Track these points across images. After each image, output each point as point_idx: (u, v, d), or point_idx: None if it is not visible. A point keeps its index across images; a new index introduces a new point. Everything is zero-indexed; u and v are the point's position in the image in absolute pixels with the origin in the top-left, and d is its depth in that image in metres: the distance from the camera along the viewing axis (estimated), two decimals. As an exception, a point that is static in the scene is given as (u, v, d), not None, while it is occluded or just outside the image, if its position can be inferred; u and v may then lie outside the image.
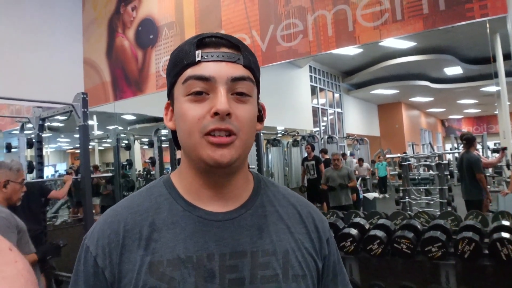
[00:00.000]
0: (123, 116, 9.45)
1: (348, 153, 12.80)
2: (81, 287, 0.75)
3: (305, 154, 8.52)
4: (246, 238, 0.75)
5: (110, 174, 9.05)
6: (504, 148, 9.60)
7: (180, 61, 0.74)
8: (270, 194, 0.83)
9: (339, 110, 15.78)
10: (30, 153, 5.46)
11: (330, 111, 15.16)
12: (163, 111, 0.81)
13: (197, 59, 0.71)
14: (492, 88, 13.51)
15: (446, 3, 4.01)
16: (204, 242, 0.74)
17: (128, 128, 11.13)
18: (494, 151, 13.38)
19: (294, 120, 11.43)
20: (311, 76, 13.54)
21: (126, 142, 8.44)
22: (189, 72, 0.72)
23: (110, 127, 11.30)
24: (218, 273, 0.72)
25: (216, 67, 0.71)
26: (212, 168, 0.73)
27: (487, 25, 4.10)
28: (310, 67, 13.48)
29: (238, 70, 0.73)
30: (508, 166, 7.81)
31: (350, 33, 4.60)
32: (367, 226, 3.45)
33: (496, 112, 19.25)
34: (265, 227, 0.77)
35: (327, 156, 8.65)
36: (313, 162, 7.97)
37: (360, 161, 12.63)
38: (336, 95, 15.72)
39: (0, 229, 2.19)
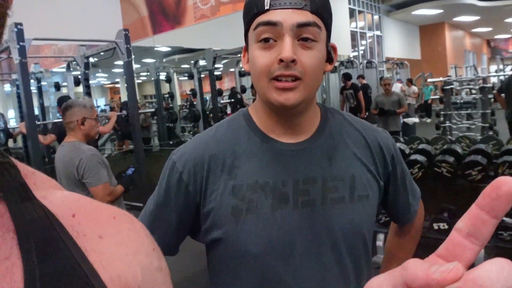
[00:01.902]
0: (158, 49, 9.50)
1: (387, 76, 12.50)
2: (162, 195, 0.91)
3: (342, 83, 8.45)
4: (316, 166, 0.86)
5: (152, 110, 9.33)
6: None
7: (252, 9, 0.80)
8: (338, 123, 0.93)
9: (378, 33, 15.22)
10: (75, 90, 5.69)
11: (369, 34, 14.65)
12: (242, 53, 0.90)
13: (265, 8, 0.78)
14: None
15: None
16: (279, 170, 0.85)
17: (164, 60, 11.24)
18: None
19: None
20: (349, -1, 12.98)
21: (166, 74, 8.54)
22: (259, 19, 0.79)
23: (147, 60, 11.38)
24: (291, 196, 0.84)
25: (283, 14, 0.77)
26: (279, 109, 0.83)
27: None
28: (349, -12, 12.91)
29: (304, 16, 0.78)
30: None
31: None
32: (407, 151, 3.53)
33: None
34: (333, 155, 0.88)
35: (364, 81, 8.54)
36: (351, 90, 7.91)
37: (409, 82, 12.39)
38: (376, 17, 15.08)
39: (94, 165, 2.38)
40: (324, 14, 0.82)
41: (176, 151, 0.91)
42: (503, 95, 6.09)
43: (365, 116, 7.58)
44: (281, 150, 0.87)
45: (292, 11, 0.78)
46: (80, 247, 0.35)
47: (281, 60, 0.77)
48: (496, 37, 27.06)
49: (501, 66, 17.09)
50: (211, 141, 0.89)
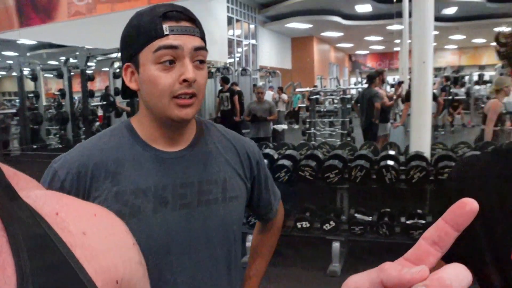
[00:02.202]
0: (22, 41, 8.60)
1: (260, 84, 13.09)
2: None
3: (220, 86, 8.66)
4: (193, 171, 0.98)
5: (12, 110, 8.42)
6: (401, 82, 10.57)
7: (148, 33, 0.88)
8: (211, 134, 1.05)
9: (253, 42, 15.88)
10: None
11: (245, 42, 15.21)
12: (122, 71, 0.96)
13: (164, 33, 0.87)
14: (396, 27, 14.43)
15: None
16: (160, 176, 0.94)
17: (29, 54, 10.19)
18: (392, 86, 14.61)
19: (209, 51, 11.37)
20: (228, 7, 13.33)
21: (30, 71, 7.73)
22: (159, 43, 0.88)
23: (8, 53, 10.12)
24: (171, 199, 0.94)
25: (182, 39, 0.87)
26: (177, 123, 0.93)
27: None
28: (228, -4, 13.25)
29: (198, 41, 0.90)
30: (402, 100, 8.60)
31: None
32: (276, 156, 3.81)
33: (397, 49, 20.64)
34: (208, 161, 1.01)
35: (238, 88, 8.88)
36: (227, 93, 8.16)
37: (280, 90, 13.10)
38: (252, 26, 15.72)
39: None
40: (205, 39, 0.94)
41: (58, 159, 0.94)
42: (359, 105, 6.87)
43: (240, 120, 7.88)
44: (162, 158, 0.96)
45: (188, 37, 0.88)
46: (66, 243, 0.37)
47: (184, 80, 0.87)
48: (356, 52, 30.13)
49: (359, 79, 19.06)
50: (94, 149, 0.94)
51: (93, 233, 0.40)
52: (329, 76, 22.33)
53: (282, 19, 16.45)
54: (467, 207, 0.29)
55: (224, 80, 8.38)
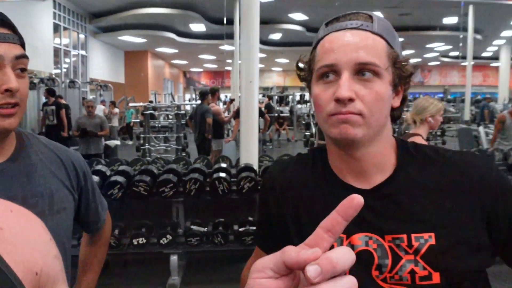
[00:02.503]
0: None
1: (91, 98, 12.42)
2: None
3: (44, 99, 7.97)
4: (16, 185, 0.91)
5: None
6: (232, 100, 11.20)
7: None
8: (34, 145, 1.00)
9: (83, 52, 14.98)
10: None
11: (73, 52, 14.24)
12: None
13: None
14: (227, 47, 15.25)
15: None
16: None
17: None
18: (224, 103, 15.37)
19: (31, 59, 10.28)
20: (54, 13, 12.31)
21: None
22: None
23: None
24: None
25: (2, 47, 0.85)
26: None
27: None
28: (54, 2, 12.24)
29: (18, 49, 0.87)
30: (234, 117, 9.08)
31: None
32: (108, 173, 3.67)
33: (228, 68, 21.78)
34: (32, 174, 0.95)
35: (63, 101, 8.31)
36: (53, 107, 7.54)
37: (113, 104, 12.52)
38: (82, 36, 14.81)
39: None
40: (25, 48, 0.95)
41: None
42: (193, 121, 7.05)
43: (67, 135, 7.35)
44: None
45: (8, 45, 0.86)
46: None
47: (6, 90, 0.85)
48: (191, 69, 30.80)
49: (193, 96, 19.51)
50: None
51: (10, 228, 0.42)
52: (164, 91, 22.34)
53: (115, 31, 15.90)
54: (354, 201, 0.37)
55: (49, 93, 7.73)
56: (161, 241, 3.58)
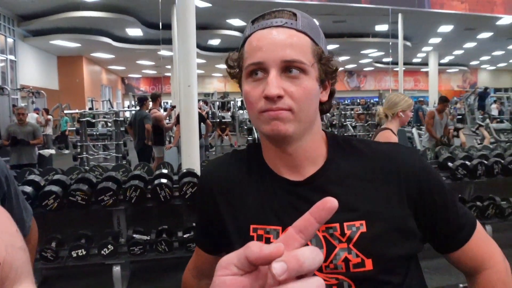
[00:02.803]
0: None
1: (22, 105, 11.75)
2: None
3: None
4: None
5: None
6: (173, 107, 11.06)
7: None
8: None
9: (12, 57, 14.15)
10: None
11: (1, 57, 13.42)
12: None
13: None
14: (166, 52, 15.02)
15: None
16: None
17: None
18: (165, 109, 15.12)
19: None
20: (-23, 15, 11.55)
21: None
22: None
23: None
24: None
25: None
26: None
27: (160, 1, 4.70)
28: (-24, 3, 11.49)
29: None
30: (175, 123, 8.94)
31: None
32: (42, 183, 3.50)
33: (169, 74, 21.44)
34: None
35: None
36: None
37: (46, 112, 11.91)
38: (10, 40, 13.99)
39: None
40: None
41: None
42: (133, 127, 6.90)
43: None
44: None
45: None
46: None
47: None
48: (129, 75, 30.01)
49: (133, 102, 19.05)
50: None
51: None
52: (101, 98, 21.61)
53: (46, 34, 15.15)
54: (328, 204, 0.38)
55: None
56: (103, 252, 3.46)
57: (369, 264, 0.75)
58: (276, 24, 0.77)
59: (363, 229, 0.76)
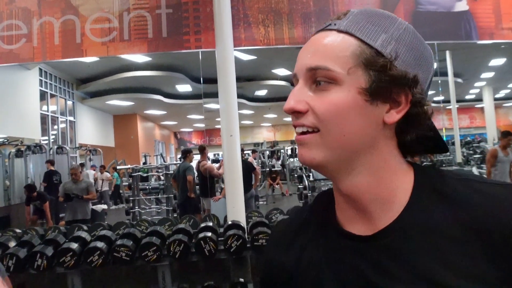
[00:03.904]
0: None
1: (74, 164, 12.32)
2: None
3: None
4: None
5: None
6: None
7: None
8: None
9: (71, 118, 15.06)
10: None
11: (61, 119, 14.31)
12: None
13: None
14: (214, 106, 15.43)
15: (168, 32, 4.47)
16: None
17: None
18: (213, 161, 15.32)
19: (18, 127, 10.28)
20: (41, 80, 12.46)
21: None
22: None
23: None
24: None
25: None
26: None
27: (200, 56, 4.82)
28: (41, 70, 12.41)
29: None
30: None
31: (78, 45, 4.57)
32: (88, 239, 3.51)
33: (218, 126, 21.96)
34: None
35: (52, 168, 8.21)
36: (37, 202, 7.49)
37: (102, 168, 12.42)
38: (69, 102, 14.96)
39: None
40: None
41: None
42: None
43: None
44: None
45: None
46: None
47: None
48: (181, 129, 31.02)
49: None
50: None
51: None
52: (155, 153, 22.33)
53: (102, 95, 16.08)
54: None
55: (29, 189, 7.57)
56: (147, 310, 3.36)
57: None
58: (322, 28, 0.65)
59: None
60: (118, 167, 12.20)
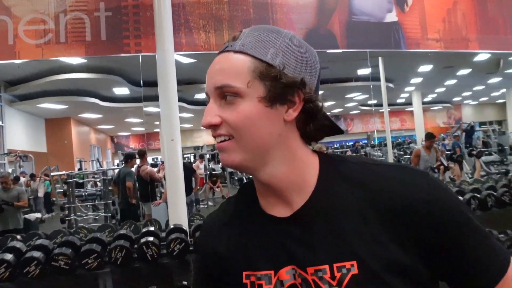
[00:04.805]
0: None
1: (10, 170, 11.65)
2: None
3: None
4: None
5: None
6: (163, 162, 11.05)
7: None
8: None
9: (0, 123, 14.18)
10: None
11: (-12, 124, 13.44)
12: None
13: None
14: (154, 109, 15.14)
15: (107, 35, 4.39)
16: None
17: None
18: (152, 165, 15.04)
19: None
20: (-38, 84, 11.65)
21: None
22: None
23: None
24: None
25: None
26: None
27: (140, 59, 4.78)
28: (-39, 72, 11.62)
29: None
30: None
31: (10, 47, 4.37)
32: (24, 249, 3.37)
33: (157, 130, 21.51)
34: None
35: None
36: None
37: (31, 177, 11.81)
38: (-4, 106, 14.07)
39: None
40: None
41: None
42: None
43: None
44: None
45: None
46: None
47: None
48: (118, 134, 30.10)
49: (122, 160, 18.96)
50: None
51: None
52: (90, 158, 21.52)
53: (33, 98, 15.26)
54: None
55: None
56: (88, 319, 3.28)
57: None
58: (221, 50, 0.76)
59: (355, 270, 0.68)
60: (52, 173, 11.62)
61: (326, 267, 0.70)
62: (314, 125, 0.77)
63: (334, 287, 0.68)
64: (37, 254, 3.19)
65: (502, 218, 4.72)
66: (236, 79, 0.71)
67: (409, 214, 0.68)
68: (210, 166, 14.28)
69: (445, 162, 8.11)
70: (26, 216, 6.67)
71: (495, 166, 12.34)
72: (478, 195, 4.43)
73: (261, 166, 0.74)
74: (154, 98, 3.84)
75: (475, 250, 0.69)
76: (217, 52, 0.77)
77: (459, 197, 4.37)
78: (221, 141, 0.73)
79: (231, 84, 0.71)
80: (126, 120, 22.46)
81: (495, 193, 4.49)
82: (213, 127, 0.72)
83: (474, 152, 11.67)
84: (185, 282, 3.68)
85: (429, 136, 6.53)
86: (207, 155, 15.97)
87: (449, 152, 16.93)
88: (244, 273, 0.77)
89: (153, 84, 3.97)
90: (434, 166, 6.56)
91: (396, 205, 0.69)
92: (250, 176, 0.79)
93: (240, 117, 0.71)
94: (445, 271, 0.71)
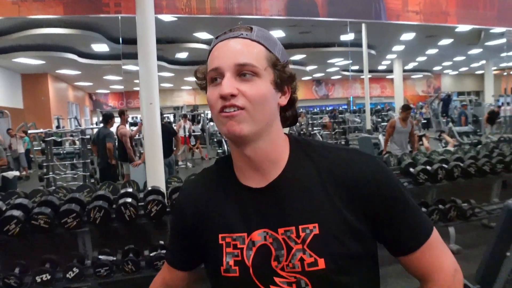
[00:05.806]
0: None
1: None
2: None
3: None
4: None
5: None
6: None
7: None
8: None
9: (-28, 77, 13.79)
10: None
11: (-40, 78, 13.05)
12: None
13: None
14: (133, 67, 14.87)
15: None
16: None
17: None
18: (131, 124, 14.96)
19: None
20: None
21: None
22: None
23: None
24: None
25: None
26: None
27: (119, 19, 4.71)
28: None
29: None
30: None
31: (-16, 1, 4.24)
32: (4, 208, 3.43)
33: (137, 88, 21.16)
34: None
35: None
36: None
37: (10, 131, 11.65)
38: (-31, 60, 13.64)
39: None
40: None
41: None
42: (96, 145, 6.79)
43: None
44: None
45: None
46: None
47: None
48: (97, 91, 29.54)
49: (100, 118, 18.70)
50: None
51: None
52: (68, 116, 21.18)
53: (7, 53, 14.78)
54: None
55: None
56: (68, 275, 3.39)
57: (321, 263, 0.82)
58: (233, 35, 0.86)
59: (316, 231, 0.83)
60: (29, 131, 11.47)
61: (293, 228, 0.85)
62: (290, 112, 0.95)
63: (298, 244, 0.84)
64: (16, 213, 3.26)
65: (467, 188, 4.97)
66: (257, 61, 0.83)
67: (358, 189, 0.86)
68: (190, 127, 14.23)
69: (418, 132, 8.32)
70: (4, 174, 6.65)
71: (468, 137, 12.69)
72: (446, 166, 4.62)
73: (257, 139, 0.86)
74: (134, 56, 3.82)
75: (406, 220, 0.89)
76: (218, 36, 0.88)
77: (428, 167, 4.57)
78: (233, 111, 0.82)
79: (254, 64, 0.83)
80: (104, 77, 22.01)
81: (461, 164, 4.70)
82: (229, 97, 0.81)
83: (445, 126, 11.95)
84: (161, 242, 3.81)
85: (405, 108, 6.57)
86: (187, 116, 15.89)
87: (425, 121, 17.29)
88: (220, 235, 0.90)
89: (133, 42, 3.93)
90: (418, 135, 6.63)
91: (348, 182, 0.86)
92: (227, 139, 0.91)
93: (258, 92, 0.83)
94: (383, 235, 0.89)
